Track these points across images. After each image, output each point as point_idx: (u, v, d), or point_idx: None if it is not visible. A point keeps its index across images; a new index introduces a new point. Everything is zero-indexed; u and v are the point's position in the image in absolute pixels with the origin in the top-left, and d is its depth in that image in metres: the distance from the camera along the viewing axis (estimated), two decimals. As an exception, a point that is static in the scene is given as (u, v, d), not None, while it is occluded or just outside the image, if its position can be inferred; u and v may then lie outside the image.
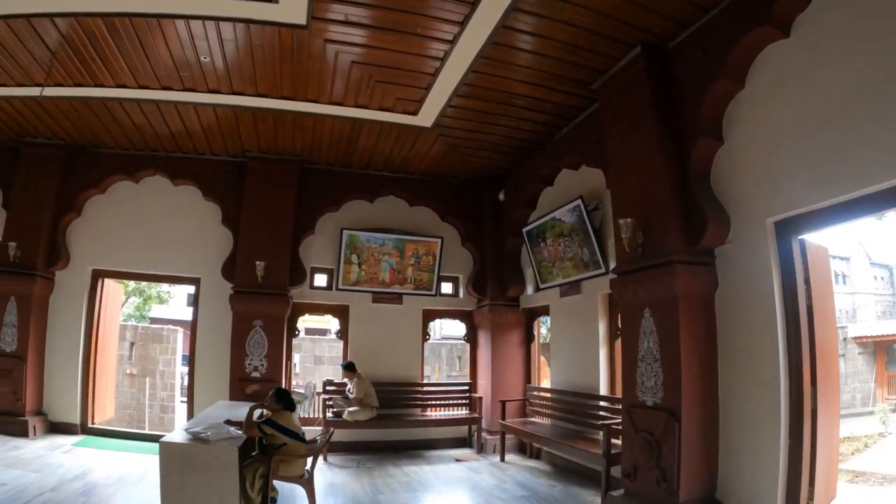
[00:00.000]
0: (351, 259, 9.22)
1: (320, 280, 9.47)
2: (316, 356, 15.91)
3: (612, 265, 6.77)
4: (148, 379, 13.55)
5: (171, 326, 14.71)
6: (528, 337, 9.62)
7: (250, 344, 8.40)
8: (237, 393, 8.27)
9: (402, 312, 9.62)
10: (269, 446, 5.29)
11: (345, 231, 9.16)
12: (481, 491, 6.70)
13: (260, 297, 8.46)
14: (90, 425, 8.97)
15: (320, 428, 8.09)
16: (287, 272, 8.69)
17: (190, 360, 9.09)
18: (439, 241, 9.53)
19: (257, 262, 8.35)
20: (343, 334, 9.63)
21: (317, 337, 19.27)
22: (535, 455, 8.37)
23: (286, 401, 5.34)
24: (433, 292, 9.67)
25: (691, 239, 5.25)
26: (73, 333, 8.93)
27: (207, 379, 8.82)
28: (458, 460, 8.37)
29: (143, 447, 8.30)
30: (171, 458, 4.63)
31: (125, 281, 21.07)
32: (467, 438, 9.32)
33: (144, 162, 9.07)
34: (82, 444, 8.24)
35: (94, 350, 9.13)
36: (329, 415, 8.53)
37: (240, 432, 5.02)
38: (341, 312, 9.57)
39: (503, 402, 8.49)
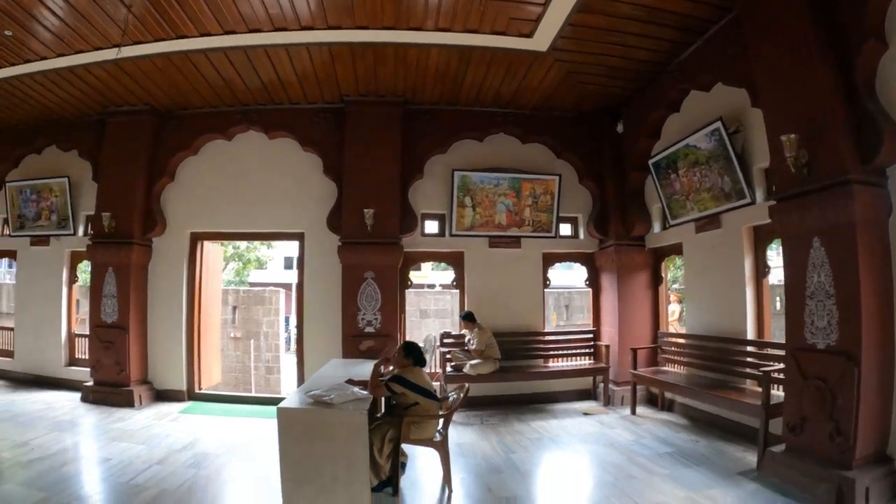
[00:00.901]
0: (464, 202, 9.20)
1: (431, 227, 9.50)
2: (421, 310, 16.19)
3: (759, 194, 6.51)
4: (252, 341, 14.20)
5: (272, 288, 15.28)
6: (656, 279, 9.38)
7: (362, 298, 8.61)
8: (351, 350, 8.48)
9: (521, 257, 9.51)
10: (397, 406, 5.26)
11: (456, 172, 9.13)
12: (620, 447, 6.58)
13: (370, 247, 8.59)
14: (197, 391, 9.49)
15: (437, 384, 8.30)
16: (397, 219, 8.78)
17: (298, 319, 9.36)
18: (557, 178, 9.33)
19: (366, 210, 8.47)
20: (458, 283, 9.60)
21: (422, 290, 19.58)
22: (667, 407, 8.27)
23: (416, 355, 5.29)
24: (553, 234, 9.51)
25: (864, 156, 4.93)
26: (175, 299, 9.44)
27: (317, 337, 9.10)
28: (585, 414, 8.32)
29: (252, 411, 8.75)
30: (291, 425, 4.57)
31: (224, 242, 22.14)
32: (592, 390, 9.34)
33: (236, 118, 9.30)
34: (189, 410, 8.71)
35: (198, 315, 9.60)
36: (448, 369, 8.63)
37: (365, 393, 4.95)
38: (456, 260, 9.55)
39: (634, 351, 8.33)
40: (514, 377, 8.89)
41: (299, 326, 9.39)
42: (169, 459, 6.21)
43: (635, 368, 8.21)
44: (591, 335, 9.78)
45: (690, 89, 7.71)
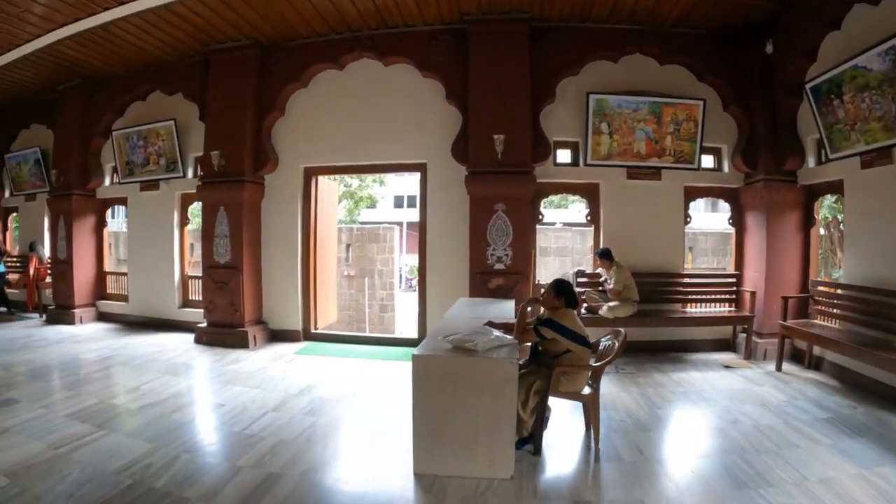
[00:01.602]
0: (600, 128, 8.09)
1: (563, 156, 8.45)
2: (541, 247, 15.22)
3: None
4: (366, 279, 13.81)
5: (387, 224, 14.77)
6: (808, 221, 8.07)
7: (492, 232, 7.68)
8: (478, 288, 7.66)
9: (661, 190, 8.38)
10: (544, 354, 4.63)
11: (591, 96, 7.99)
12: (773, 409, 5.68)
13: (500, 176, 7.63)
14: (313, 331, 8.94)
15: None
16: (529, 147, 7.74)
17: (420, 256, 8.61)
18: (701, 102, 8.10)
19: (496, 137, 7.50)
20: (593, 217, 8.60)
21: (541, 227, 18.68)
22: (815, 365, 7.17)
23: (568, 296, 4.57)
24: (695, 166, 8.32)
25: None
26: (290, 237, 8.86)
27: (440, 275, 8.35)
28: (727, 367, 7.37)
29: (369, 352, 8.15)
30: (428, 375, 4.02)
31: (337, 177, 21.26)
32: (731, 341, 8.31)
33: (348, 45, 8.48)
34: (305, 351, 8.16)
35: (313, 252, 8.97)
36: (582, 311, 7.75)
37: (510, 338, 4.36)
38: (590, 192, 8.49)
39: (785, 300, 7.27)
40: (652, 322, 7.95)
41: (421, 263, 8.65)
42: (285, 406, 5.78)
43: (785, 319, 7.19)
44: (733, 280, 8.60)
45: (854, 2, 6.40)
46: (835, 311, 6.94)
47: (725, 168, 8.59)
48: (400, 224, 15.02)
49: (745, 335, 7.89)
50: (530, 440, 4.37)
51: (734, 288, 8.49)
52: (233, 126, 8.59)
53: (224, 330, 8.53)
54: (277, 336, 8.91)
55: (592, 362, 4.67)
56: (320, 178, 9.15)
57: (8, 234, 13.16)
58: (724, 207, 8.97)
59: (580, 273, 8.26)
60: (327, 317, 9.54)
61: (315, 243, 9.00)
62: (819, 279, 7.89)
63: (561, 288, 4.58)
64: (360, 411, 5.65)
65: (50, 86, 10.30)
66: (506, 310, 6.26)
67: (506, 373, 3.91)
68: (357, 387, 6.47)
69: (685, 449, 4.79)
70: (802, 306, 7.55)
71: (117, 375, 6.96)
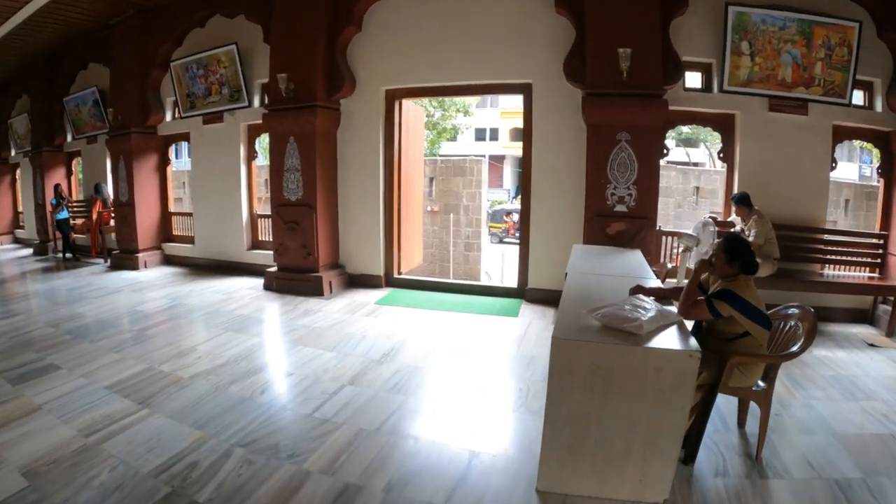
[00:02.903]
0: (740, 48, 6.40)
1: (692, 80, 6.81)
2: None
3: None
4: (451, 215, 12.40)
5: (474, 156, 13.26)
6: None
7: (613, 167, 6.11)
8: (595, 234, 6.17)
9: (807, 127, 6.63)
10: (710, 335, 3.32)
11: (731, 8, 6.27)
12: None
13: (626, 100, 5.98)
14: (396, 276, 7.61)
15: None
16: (659, 64, 6.06)
17: (523, 194, 7.14)
18: (857, 25, 6.34)
19: (621, 51, 5.83)
20: (727, 155, 6.96)
21: None
22: None
23: (746, 259, 3.22)
24: (846, 100, 6.56)
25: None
26: (370, 170, 7.46)
27: (547, 218, 6.90)
28: (871, 345, 5.81)
29: (461, 303, 6.90)
30: (572, 368, 2.76)
31: (424, 101, 19.58)
32: (869, 312, 6.63)
33: (436, -59, 6.89)
34: (387, 301, 6.86)
35: (397, 187, 7.57)
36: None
37: (672, 312, 3.13)
38: (724, 124, 6.84)
39: None
40: (793, 285, 6.34)
41: (524, 204, 7.16)
42: (366, 377, 4.57)
43: None
44: (880, 242, 6.87)
45: None
46: None
47: (878, 107, 6.80)
48: (482, 158, 13.36)
49: (885, 307, 6.45)
50: (684, 445, 3.12)
51: (880, 251, 6.84)
52: (302, 45, 7.12)
53: (296, 275, 7.29)
54: (356, 282, 7.64)
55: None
56: (404, 102, 7.64)
57: (73, 178, 12.32)
58: (856, 155, 7.08)
59: (713, 220, 6.49)
60: (412, 260, 8.12)
61: (399, 177, 7.60)
62: None
63: (736, 248, 3.23)
64: (458, 388, 4.43)
65: (103, 22, 9.16)
66: (635, 263, 4.98)
67: (682, 370, 2.66)
68: (451, 350, 5.27)
69: (864, 466, 3.29)
70: None
71: (174, 331, 5.82)
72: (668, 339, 2.79)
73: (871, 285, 6.54)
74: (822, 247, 6.77)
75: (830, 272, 6.88)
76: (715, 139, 23.91)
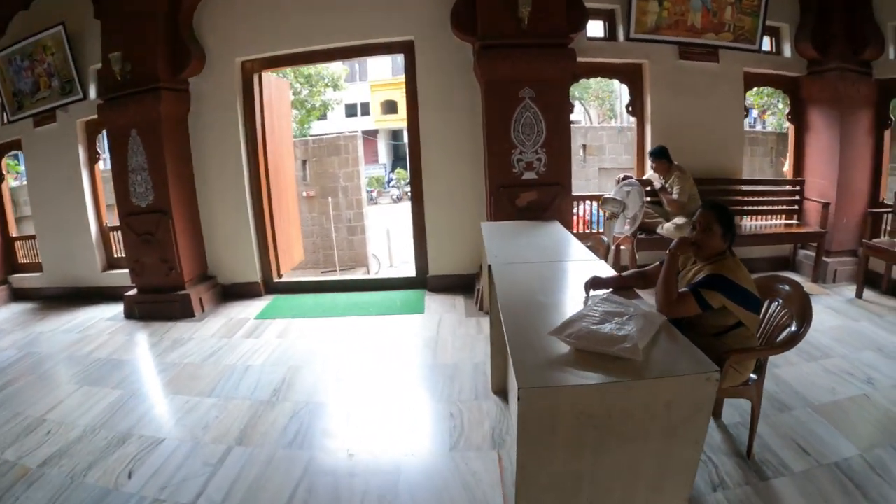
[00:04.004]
0: (648, -8, 5.57)
1: (595, 29, 5.88)
2: None
3: None
4: (330, 199, 11.01)
5: (347, 133, 11.89)
6: (881, 122, 6.04)
7: (517, 128, 5.03)
8: (503, 208, 5.10)
9: (718, 75, 5.90)
10: (695, 329, 2.44)
11: (637, -54, 5.40)
12: (887, 353, 4.02)
13: (527, 51, 4.88)
14: (276, 280, 6.29)
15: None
16: (563, 10, 4.99)
17: (412, 168, 5.97)
18: (769, -33, 5.70)
19: (523, -9, 4.78)
20: (636, 108, 6.12)
21: None
22: (893, 291, 5.41)
23: (734, 232, 2.58)
24: (756, 46, 5.93)
25: None
26: (232, 159, 6.01)
27: (443, 193, 5.80)
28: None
29: (355, 303, 5.80)
30: (552, 423, 1.80)
31: (288, 70, 17.33)
32: (790, 259, 6.37)
33: None
34: (269, 313, 5.57)
35: (265, 176, 6.20)
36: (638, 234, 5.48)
37: (652, 312, 2.28)
38: (632, 75, 5.98)
39: (873, 213, 5.70)
40: None
41: (415, 180, 6.00)
42: (256, 428, 3.43)
43: (869, 238, 5.54)
44: (796, 189, 6.39)
45: None
46: None
47: (786, 52, 6.20)
48: (356, 133, 12.00)
49: (805, 252, 6.20)
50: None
51: (797, 198, 6.36)
52: (138, 16, 5.52)
53: (159, 296, 5.79)
54: (231, 294, 6.23)
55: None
56: (265, 75, 6.20)
57: None
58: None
59: (626, 179, 5.63)
60: (292, 258, 6.79)
61: (266, 164, 6.18)
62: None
63: (727, 219, 2.58)
64: (373, 427, 3.41)
65: None
66: (562, 240, 4.09)
67: (699, 398, 1.82)
68: (355, 371, 4.20)
69: (853, 439, 2.97)
70: (872, 223, 5.80)
71: (20, 396, 4.20)
72: (674, 359, 1.92)
73: (798, 233, 6.05)
74: (741, 198, 6.23)
75: (750, 223, 6.34)
76: (590, 96, 23.61)
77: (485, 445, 3.04)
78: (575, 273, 3.08)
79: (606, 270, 3.00)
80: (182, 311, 5.68)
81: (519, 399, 1.68)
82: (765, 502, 2.45)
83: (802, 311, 2.64)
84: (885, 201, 5.98)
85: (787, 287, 2.81)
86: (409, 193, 6.03)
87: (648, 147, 5.92)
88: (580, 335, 1.98)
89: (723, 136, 6.05)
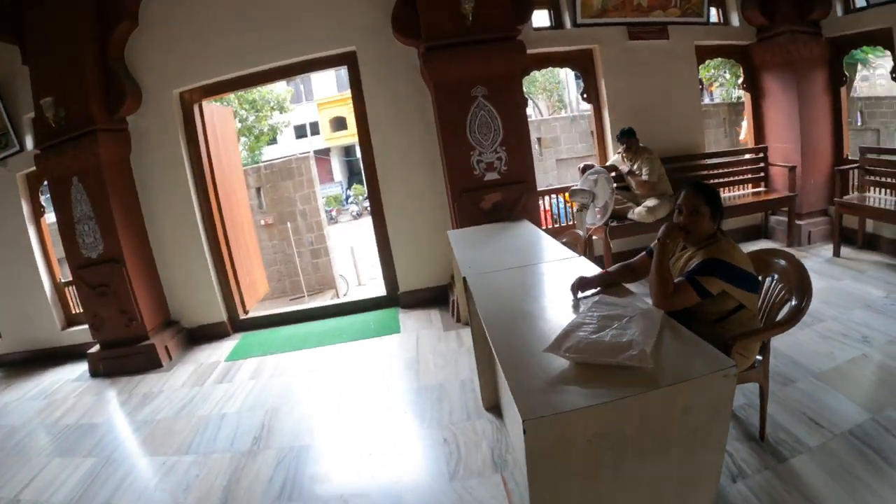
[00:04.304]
0: (591, -26, 5.39)
1: (541, 18, 5.68)
2: None
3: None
4: (289, 224, 10.60)
5: (299, 155, 11.51)
6: (836, 80, 5.92)
7: (473, 129, 4.78)
8: (468, 213, 4.82)
9: (669, 51, 5.75)
10: (687, 317, 2.21)
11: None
12: (884, 310, 3.95)
13: (476, 48, 4.61)
14: (242, 317, 5.90)
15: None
16: (507, 2, 4.74)
17: (369, 184, 5.63)
18: (706, -63, 5.58)
19: (464, -9, 4.55)
20: (590, 95, 5.93)
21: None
22: (868, 245, 5.45)
23: (718, 205, 2.39)
24: (704, 19, 5.81)
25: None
26: (180, 197, 5.62)
27: (404, 203, 5.50)
28: None
29: (328, 330, 5.45)
30: (566, 450, 1.61)
31: (231, 97, 17.06)
32: (762, 227, 6.32)
33: None
34: (239, 353, 5.22)
35: (217, 210, 5.83)
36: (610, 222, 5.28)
37: (649, 308, 2.14)
38: (583, 61, 5.75)
39: (840, 171, 5.54)
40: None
41: (373, 195, 5.66)
42: (241, 484, 3.11)
43: (840, 196, 5.43)
44: (760, 156, 6.29)
45: None
46: (889, 179, 5.18)
47: (734, 21, 6.07)
48: (307, 154, 11.77)
49: (777, 218, 6.15)
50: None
51: (762, 165, 6.26)
52: (67, 57, 5.12)
53: (123, 350, 5.35)
54: (197, 337, 5.80)
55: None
56: (206, 104, 5.84)
57: None
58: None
59: (588, 167, 5.43)
60: (256, 291, 6.41)
61: (217, 197, 5.80)
62: (868, 146, 5.86)
63: (718, 196, 2.41)
64: (365, 466, 3.11)
65: None
66: (535, 240, 3.86)
67: (718, 396, 1.68)
68: (336, 405, 3.90)
69: (862, 403, 2.90)
70: (841, 180, 5.66)
71: None
72: (685, 359, 1.78)
73: (766, 201, 5.92)
74: (706, 172, 6.07)
75: (725, 194, 6.22)
76: (537, 89, 23.51)
77: (486, 470, 2.82)
78: (556, 274, 2.87)
79: (589, 268, 2.81)
80: (148, 362, 5.28)
81: (525, 432, 1.51)
82: (787, 485, 2.33)
83: (801, 284, 2.50)
84: (850, 157, 5.92)
85: (782, 261, 2.66)
86: (369, 209, 5.74)
87: (608, 133, 5.77)
88: (580, 348, 1.81)
89: (681, 113, 5.90)
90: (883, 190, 5.25)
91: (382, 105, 5.32)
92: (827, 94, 5.91)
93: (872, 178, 5.32)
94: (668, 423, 1.66)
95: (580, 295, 2.37)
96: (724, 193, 6.19)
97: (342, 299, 6.09)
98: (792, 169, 5.75)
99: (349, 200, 25.80)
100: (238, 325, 5.85)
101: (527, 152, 4.91)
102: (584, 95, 5.94)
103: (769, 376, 2.64)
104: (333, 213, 23.46)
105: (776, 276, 2.68)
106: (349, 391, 4.00)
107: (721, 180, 6.10)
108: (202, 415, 4.04)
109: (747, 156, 6.34)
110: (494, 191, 4.80)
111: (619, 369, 1.70)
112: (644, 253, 2.57)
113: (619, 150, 5.43)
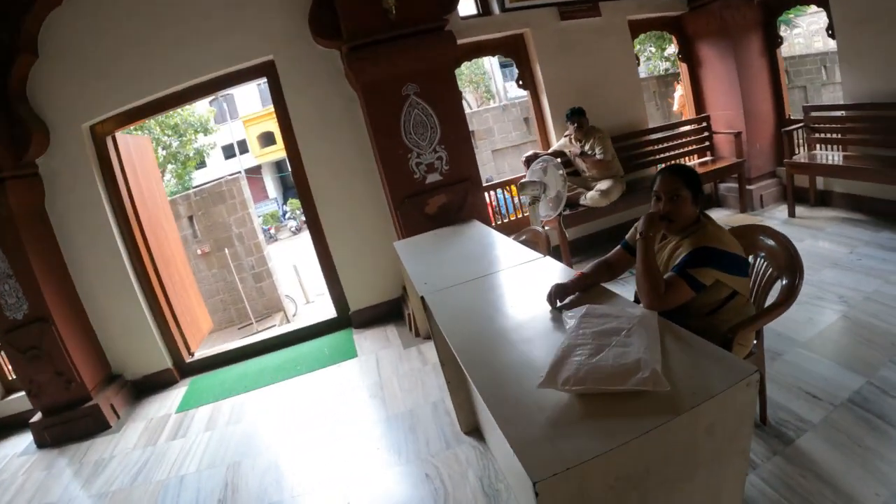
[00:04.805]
0: (507, -47, 5.07)
1: (466, 6, 5.24)
2: None
3: None
4: (227, 250, 9.87)
5: (228, 177, 10.69)
6: (772, 42, 5.80)
7: (408, 129, 4.40)
8: (412, 220, 4.42)
9: (603, 29, 5.49)
10: (678, 313, 1.97)
11: None
12: (851, 266, 3.92)
13: (402, 43, 4.22)
14: (188, 361, 5.33)
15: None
16: (428, -10, 4.45)
17: (303, 200, 5.11)
18: None
19: (375, -16, 4.15)
20: (526, 80, 5.60)
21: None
22: (821, 202, 5.41)
23: (699, 187, 2.15)
24: None
25: None
26: (103, 239, 4.99)
27: (343, 216, 5.03)
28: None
29: (282, 363, 4.93)
30: (578, 500, 1.31)
31: (151, 123, 16.42)
32: (712, 196, 6.22)
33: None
34: (190, 402, 4.69)
35: (146, 247, 5.24)
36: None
37: (641, 311, 1.90)
38: (515, 46, 5.47)
39: (787, 133, 5.30)
40: (640, 198, 5.24)
41: (308, 211, 5.15)
42: None
43: (789, 156, 5.29)
44: (704, 125, 6.11)
45: None
46: (839, 136, 5.12)
47: (664, -10, 5.94)
48: (238, 175, 11.17)
49: (727, 185, 6.10)
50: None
51: (706, 134, 6.10)
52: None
53: (67, 414, 4.70)
54: (143, 388, 5.17)
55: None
56: (120, 136, 5.25)
57: None
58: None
59: (534, 158, 5.12)
60: (200, 328, 5.86)
61: (143, 233, 5.21)
62: (812, 105, 5.85)
63: (697, 180, 2.15)
64: None
65: None
66: (490, 243, 3.53)
67: (742, 406, 1.47)
68: (304, 450, 3.44)
69: (853, 367, 2.80)
70: (786, 141, 5.42)
71: None
72: (700, 371, 1.54)
73: (717, 169, 5.74)
74: (653, 147, 5.88)
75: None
76: (463, 82, 23.17)
77: None
78: (524, 281, 2.57)
79: (558, 269, 2.56)
80: (96, 424, 4.67)
81: (537, 495, 1.23)
82: (799, 468, 2.22)
83: (791, 261, 2.32)
84: (791, 117, 5.81)
85: (768, 240, 2.46)
86: (307, 225, 5.26)
87: (549, 118, 5.49)
88: (580, 377, 1.53)
89: (621, 90, 5.66)
90: (830, 146, 5.17)
91: (308, 114, 4.86)
92: (764, 58, 5.76)
93: (818, 135, 5.24)
94: (692, 446, 1.44)
95: (559, 304, 2.12)
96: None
97: (292, 327, 5.54)
98: (738, 135, 5.61)
99: (286, 216, 24.76)
100: (185, 369, 5.29)
101: (468, 147, 4.53)
102: (520, 82, 5.62)
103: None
104: (272, 231, 22.44)
105: (763, 254, 2.48)
106: (313, 432, 3.57)
107: (668, 154, 5.91)
108: (159, 479, 3.53)
109: (691, 126, 6.17)
110: (438, 193, 4.43)
111: (630, 395, 1.45)
112: (619, 247, 2.35)
113: (568, 131, 5.16)
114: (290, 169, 5.00)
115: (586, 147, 5.02)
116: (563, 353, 1.66)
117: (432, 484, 2.72)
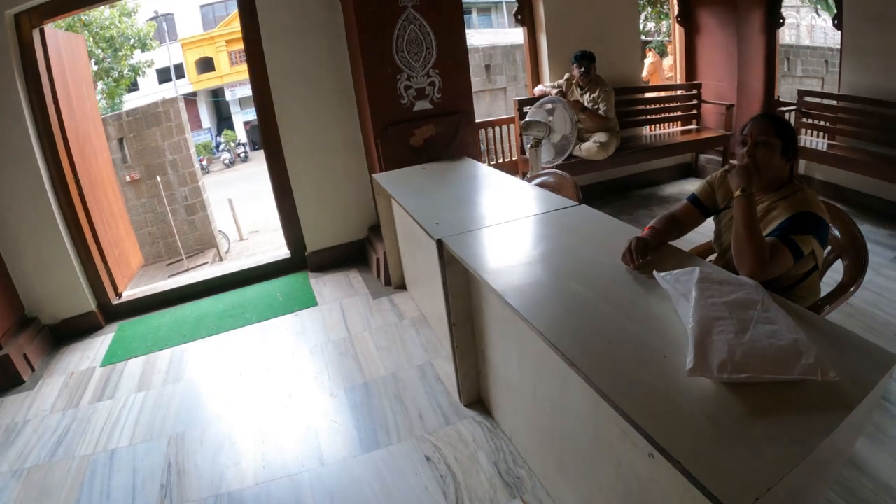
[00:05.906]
0: None
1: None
2: None
3: None
4: (159, 178, 8.78)
5: (166, 98, 9.43)
6: (773, 22, 5.37)
7: (401, 47, 3.63)
8: (395, 152, 3.71)
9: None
10: (771, 282, 1.62)
11: None
12: None
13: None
14: (116, 302, 4.30)
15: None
16: None
17: (262, 121, 4.13)
18: None
19: None
20: (525, 15, 4.91)
21: None
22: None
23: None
24: None
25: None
26: (21, 154, 3.80)
27: (308, 142, 4.12)
28: None
29: (225, 308, 4.04)
30: None
31: (86, 34, 14.87)
32: (692, 165, 5.84)
33: None
34: (117, 353, 3.72)
35: (71, 167, 4.08)
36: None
37: (747, 281, 1.48)
38: None
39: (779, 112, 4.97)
40: (635, 157, 5.01)
41: (267, 136, 4.18)
42: None
43: None
44: (694, 92, 5.68)
45: None
46: (824, 123, 4.91)
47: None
48: (176, 97, 9.76)
49: (707, 157, 5.79)
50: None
51: (695, 102, 5.68)
52: None
53: None
54: (62, 335, 4.10)
55: None
56: (50, 29, 4.05)
57: None
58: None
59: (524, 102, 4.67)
60: (129, 264, 4.84)
61: (69, 151, 4.08)
62: (806, 90, 5.56)
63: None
64: None
65: None
66: (498, 182, 3.05)
67: (878, 397, 1.41)
68: (265, 421, 2.63)
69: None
70: None
71: None
72: (846, 359, 1.19)
73: (703, 139, 5.40)
74: (644, 107, 5.54)
75: (652, 132, 5.73)
76: None
77: (498, 495, 1.95)
78: (571, 232, 2.05)
79: (604, 221, 2.14)
80: (6, 379, 3.55)
81: None
82: None
83: (853, 241, 2.01)
84: (780, 99, 5.52)
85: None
86: (243, 155, 4.35)
87: (545, 59, 4.89)
88: (739, 363, 1.13)
89: (621, 43, 5.13)
90: (818, 133, 5.00)
91: (281, 18, 3.91)
92: (763, 36, 5.36)
93: (808, 120, 4.99)
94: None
95: (640, 262, 1.73)
96: (658, 130, 5.65)
97: (236, 266, 4.62)
98: (730, 107, 5.25)
99: (220, 147, 22.84)
100: (112, 312, 4.27)
101: (465, 76, 3.83)
102: (518, 16, 4.94)
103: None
104: (204, 163, 20.52)
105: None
106: (273, 399, 2.79)
107: (654, 116, 5.54)
108: (85, 454, 2.65)
109: (681, 92, 5.72)
110: (427, 123, 3.73)
111: (787, 385, 1.12)
112: (686, 201, 2.07)
113: (572, 73, 4.56)
114: (250, 83, 4.06)
115: (588, 97, 4.47)
116: (702, 327, 1.23)
117: (436, 468, 2.12)
